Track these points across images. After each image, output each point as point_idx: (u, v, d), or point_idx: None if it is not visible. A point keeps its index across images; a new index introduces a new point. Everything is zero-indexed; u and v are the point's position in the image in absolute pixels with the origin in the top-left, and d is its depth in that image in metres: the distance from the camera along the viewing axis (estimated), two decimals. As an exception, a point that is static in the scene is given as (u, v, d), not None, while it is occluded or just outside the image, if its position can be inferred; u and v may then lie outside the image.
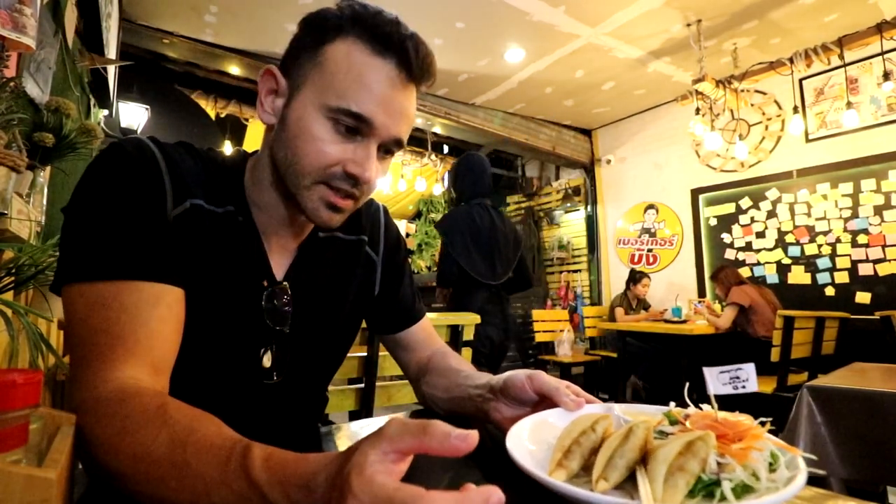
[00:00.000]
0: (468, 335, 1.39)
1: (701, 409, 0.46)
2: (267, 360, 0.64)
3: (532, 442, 0.46)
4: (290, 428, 0.71)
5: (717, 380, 0.47)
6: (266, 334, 0.64)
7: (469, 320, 1.37)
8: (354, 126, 0.56)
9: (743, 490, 0.35)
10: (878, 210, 3.43)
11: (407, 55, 0.57)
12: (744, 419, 0.40)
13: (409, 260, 0.86)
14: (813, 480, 1.25)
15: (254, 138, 4.60)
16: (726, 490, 0.34)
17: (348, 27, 0.57)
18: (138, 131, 3.38)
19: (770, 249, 3.95)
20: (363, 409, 1.17)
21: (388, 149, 0.61)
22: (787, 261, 3.85)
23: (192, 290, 0.57)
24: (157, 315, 0.52)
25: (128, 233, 0.53)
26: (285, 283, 0.65)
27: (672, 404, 0.48)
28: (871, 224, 3.46)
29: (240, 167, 0.65)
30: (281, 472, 0.36)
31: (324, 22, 0.58)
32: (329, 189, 0.58)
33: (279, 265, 0.66)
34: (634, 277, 4.31)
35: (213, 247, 0.60)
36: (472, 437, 0.32)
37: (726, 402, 0.43)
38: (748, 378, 0.46)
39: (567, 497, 0.36)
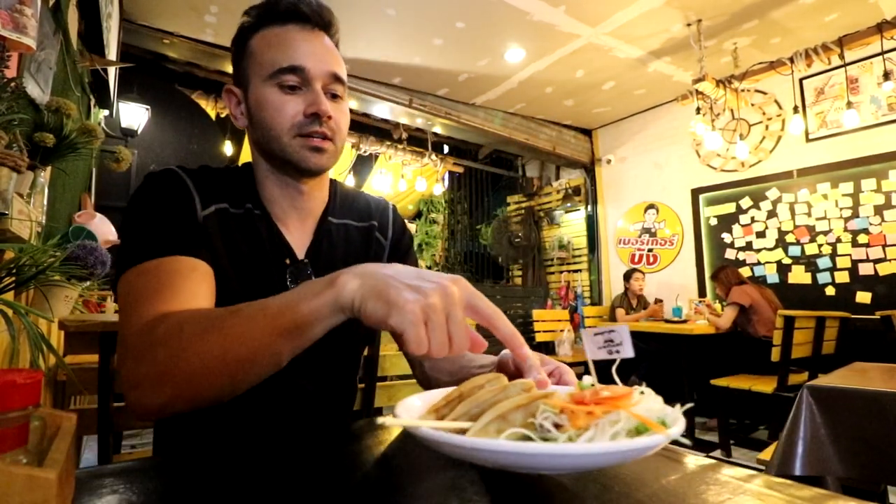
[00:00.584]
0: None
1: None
2: None
3: (423, 401, 0.46)
4: (323, 404, 0.79)
5: (593, 343, 0.45)
6: None
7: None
8: (294, 79, 0.68)
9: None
10: (879, 210, 3.43)
11: (301, 12, 0.70)
12: (622, 392, 0.38)
13: (413, 247, 0.93)
14: (812, 480, 1.24)
15: (254, 138, 4.60)
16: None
17: (259, 21, 0.71)
18: (138, 131, 3.39)
19: (770, 249, 3.95)
20: (364, 409, 1.17)
21: (334, 93, 0.71)
22: (787, 260, 3.85)
23: (225, 275, 0.67)
24: (193, 278, 0.61)
25: (166, 226, 0.64)
26: (306, 260, 0.75)
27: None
28: (871, 224, 3.46)
29: (251, 172, 0.77)
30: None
31: (243, 29, 0.73)
32: (304, 137, 0.68)
33: (299, 246, 0.75)
34: (626, 276, 4.34)
35: (239, 238, 0.71)
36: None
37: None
38: (622, 342, 0.44)
39: (409, 429, 0.38)
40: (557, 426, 0.34)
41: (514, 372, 0.58)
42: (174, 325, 0.52)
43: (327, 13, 0.73)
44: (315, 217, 0.78)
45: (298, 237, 0.76)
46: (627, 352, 0.44)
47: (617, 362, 0.45)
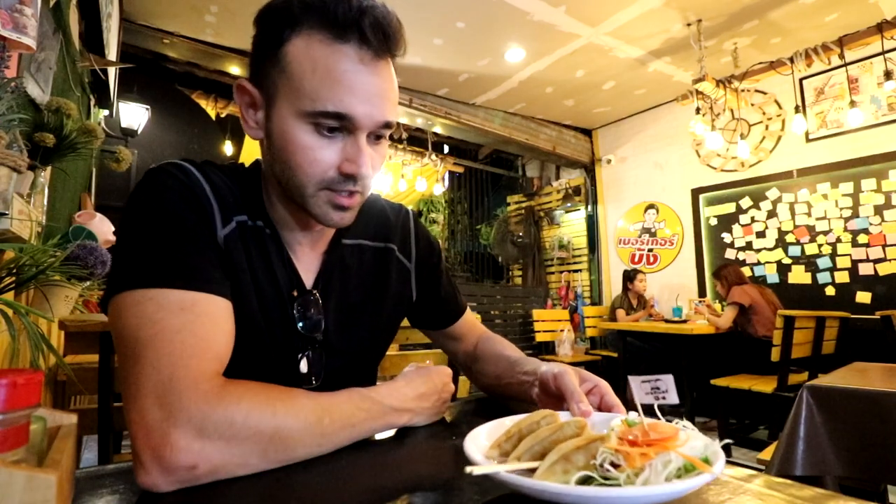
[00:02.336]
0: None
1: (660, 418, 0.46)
2: (304, 366, 0.65)
3: (487, 435, 0.50)
4: None
5: (640, 389, 0.48)
6: (300, 341, 0.65)
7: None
8: (337, 125, 0.55)
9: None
10: (879, 210, 3.43)
11: (365, 32, 0.53)
12: (669, 430, 0.42)
13: (442, 257, 0.87)
14: (811, 480, 1.24)
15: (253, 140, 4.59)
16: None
17: (300, 18, 0.54)
18: (138, 131, 3.38)
19: (770, 249, 3.95)
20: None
21: (378, 134, 0.59)
22: (787, 260, 3.85)
23: (236, 302, 0.58)
24: (227, 328, 0.54)
25: (194, 248, 0.54)
26: (315, 291, 0.66)
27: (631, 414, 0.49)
28: (871, 224, 3.46)
29: (258, 180, 0.65)
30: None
31: (276, 19, 0.56)
32: (332, 192, 0.57)
33: (308, 273, 0.66)
34: (630, 276, 4.33)
35: (250, 260, 0.61)
36: None
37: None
38: (667, 389, 0.47)
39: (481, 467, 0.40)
40: (615, 465, 0.38)
41: (555, 392, 0.59)
42: (262, 409, 0.47)
43: (397, 33, 0.56)
44: (326, 239, 0.69)
45: (307, 263, 0.67)
46: (673, 398, 0.47)
47: (658, 401, 0.48)
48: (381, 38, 0.54)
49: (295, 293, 0.64)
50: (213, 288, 0.53)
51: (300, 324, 0.64)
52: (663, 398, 0.48)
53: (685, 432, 0.42)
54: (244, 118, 0.61)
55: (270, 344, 0.62)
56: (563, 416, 0.49)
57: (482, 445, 0.46)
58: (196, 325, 0.49)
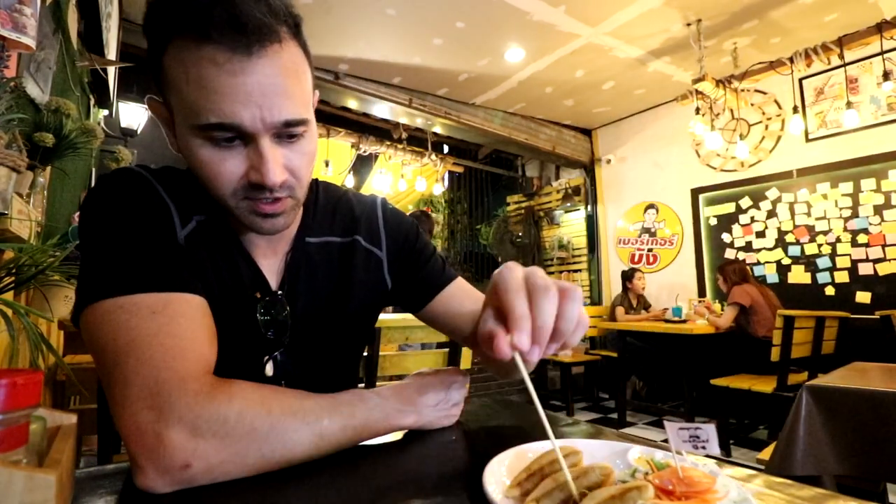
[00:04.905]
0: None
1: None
2: (269, 369, 0.63)
3: (508, 471, 0.46)
4: None
5: (678, 437, 0.46)
6: (266, 344, 0.63)
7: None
8: (228, 135, 0.50)
9: None
10: (878, 209, 3.43)
11: (226, 29, 0.46)
12: (706, 480, 0.39)
13: (421, 236, 0.78)
14: (811, 480, 1.24)
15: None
16: None
17: (169, 26, 0.49)
18: (138, 131, 3.39)
19: (770, 249, 3.95)
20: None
21: (290, 133, 0.52)
22: (787, 260, 3.85)
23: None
24: (207, 324, 0.52)
25: (157, 250, 0.53)
26: (280, 292, 0.64)
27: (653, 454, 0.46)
28: (871, 223, 3.46)
29: None
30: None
31: (152, 26, 0.50)
32: (252, 201, 0.54)
33: (272, 275, 0.64)
34: (628, 276, 4.34)
35: (214, 260, 0.60)
36: None
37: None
38: (708, 439, 0.46)
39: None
40: None
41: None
42: (256, 407, 0.46)
43: (261, 23, 0.47)
44: (288, 239, 0.66)
45: (271, 264, 0.64)
46: (714, 449, 0.45)
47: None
48: (251, 32, 0.46)
49: (258, 294, 0.62)
50: (182, 286, 0.51)
51: (265, 326, 0.62)
52: (703, 447, 0.46)
53: (721, 480, 0.40)
54: (166, 133, 0.57)
55: (234, 346, 0.59)
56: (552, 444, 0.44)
57: (502, 483, 0.43)
58: (172, 326, 0.48)
